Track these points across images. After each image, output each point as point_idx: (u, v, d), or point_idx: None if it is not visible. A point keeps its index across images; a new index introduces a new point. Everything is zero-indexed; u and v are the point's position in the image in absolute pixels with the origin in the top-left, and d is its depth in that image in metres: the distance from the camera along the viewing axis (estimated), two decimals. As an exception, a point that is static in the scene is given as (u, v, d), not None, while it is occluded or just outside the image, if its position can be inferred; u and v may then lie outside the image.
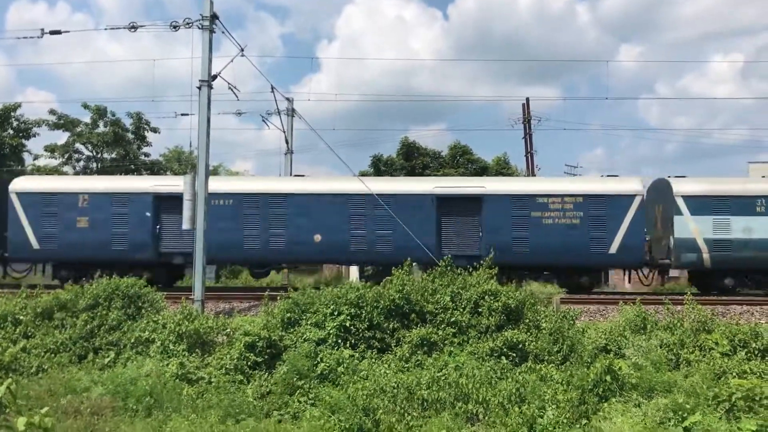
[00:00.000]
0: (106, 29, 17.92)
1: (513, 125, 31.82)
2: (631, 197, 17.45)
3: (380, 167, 32.37)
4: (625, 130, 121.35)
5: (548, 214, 17.55)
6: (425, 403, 9.57)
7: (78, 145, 34.38)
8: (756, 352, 10.86)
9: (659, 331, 11.82)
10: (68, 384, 10.36)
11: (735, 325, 11.68)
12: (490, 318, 11.76)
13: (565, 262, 17.61)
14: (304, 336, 11.54)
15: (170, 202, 17.73)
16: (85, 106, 34.20)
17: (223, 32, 15.18)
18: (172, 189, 17.72)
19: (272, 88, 21.77)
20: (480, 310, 11.99)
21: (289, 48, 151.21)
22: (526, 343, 11.20)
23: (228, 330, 12.11)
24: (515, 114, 35.29)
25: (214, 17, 14.71)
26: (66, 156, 34.19)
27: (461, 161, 33.06)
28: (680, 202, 17.40)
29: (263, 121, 25.87)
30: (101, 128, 34.35)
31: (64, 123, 33.89)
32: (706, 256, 17.19)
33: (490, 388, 9.79)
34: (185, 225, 14.84)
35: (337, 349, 11.18)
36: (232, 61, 15.62)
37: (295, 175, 19.81)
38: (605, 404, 9.42)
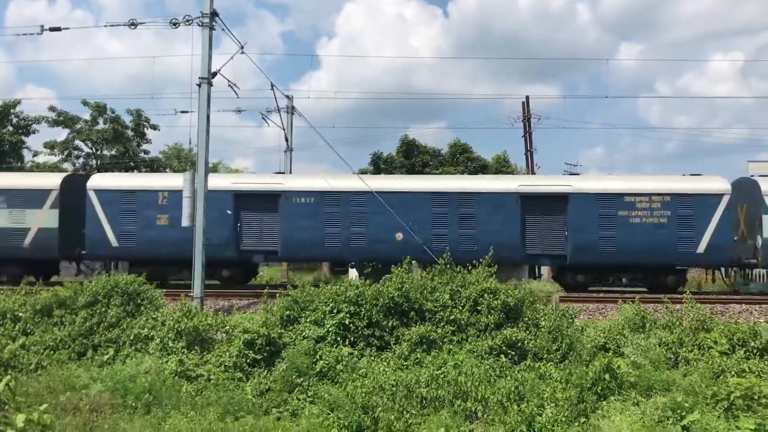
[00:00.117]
0: (106, 26, 18.05)
1: (513, 123, 31.83)
2: (719, 196, 17.39)
3: (380, 165, 32.38)
4: (625, 128, 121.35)
5: (635, 213, 17.46)
6: (424, 401, 9.57)
7: (77, 142, 34.43)
8: (755, 350, 10.86)
9: (658, 329, 11.83)
10: (67, 381, 10.35)
11: (734, 324, 11.69)
12: (489, 316, 11.76)
13: (652, 261, 17.53)
14: (304, 333, 11.54)
15: (250, 200, 17.96)
16: (85, 103, 34.24)
17: (223, 29, 15.19)
18: (251, 187, 18.03)
19: (272, 85, 21.73)
20: (479, 308, 12.00)
21: (289, 45, 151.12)
22: (525, 342, 11.20)
23: (227, 327, 12.11)
24: (515, 112, 35.23)
25: (214, 14, 14.69)
26: (65, 153, 34.22)
27: (461, 159, 33.08)
28: None
29: (263, 118, 25.90)
30: (101, 125, 34.38)
31: (63, 120, 33.91)
32: None
33: (489, 386, 9.79)
34: (185, 222, 14.84)
35: (336, 347, 11.18)
36: (232, 58, 15.64)
37: (375, 173, 19.64)
38: (604, 402, 9.42)
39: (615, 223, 17.42)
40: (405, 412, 9.29)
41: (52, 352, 11.79)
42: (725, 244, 17.32)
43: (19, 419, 4.99)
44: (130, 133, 35.32)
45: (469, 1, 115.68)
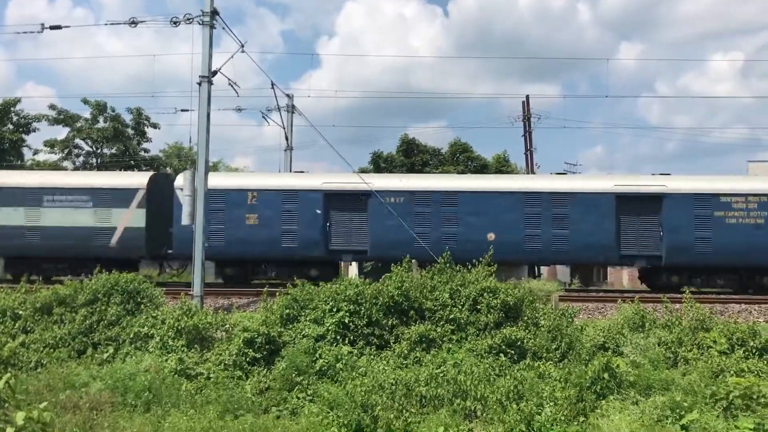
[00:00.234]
0: (106, 24, 17.96)
1: (513, 123, 31.84)
2: None
3: (380, 164, 32.38)
4: (625, 128, 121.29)
5: (732, 214, 17.38)
6: (423, 400, 9.58)
7: (78, 141, 34.41)
8: (754, 350, 10.86)
9: (657, 329, 11.83)
10: (67, 379, 10.37)
11: (733, 324, 11.69)
12: (488, 315, 11.77)
13: (749, 262, 17.48)
14: (303, 332, 11.55)
15: (339, 200, 17.94)
16: (85, 102, 34.24)
17: (223, 28, 15.20)
18: (341, 186, 17.97)
19: (272, 84, 21.75)
20: (479, 307, 12.00)
21: (290, 44, 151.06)
22: (525, 341, 11.21)
23: (227, 326, 12.12)
24: (515, 111, 35.26)
25: (214, 13, 14.70)
26: (66, 151, 34.22)
27: (461, 159, 33.08)
28: None
29: (263, 117, 25.93)
30: (101, 124, 34.37)
31: (63, 118, 33.91)
32: None
33: (489, 385, 9.80)
34: (184, 221, 14.86)
35: (335, 346, 11.19)
36: (232, 57, 15.64)
37: (463, 173, 19.53)
38: (603, 402, 9.43)
39: (711, 223, 17.32)
40: (404, 411, 9.30)
41: (52, 350, 11.80)
42: None
43: (19, 417, 5.00)
44: (130, 131, 35.33)
45: (469, 0, 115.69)
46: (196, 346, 11.61)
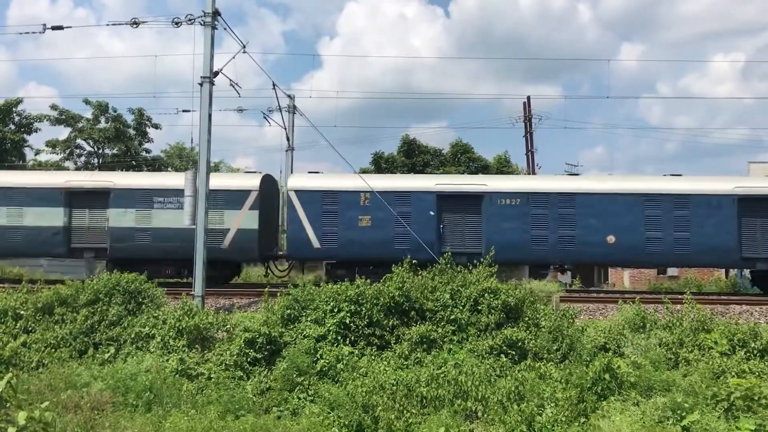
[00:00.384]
0: (108, 25, 18.01)
1: (514, 123, 31.83)
2: None
3: (381, 165, 32.37)
4: (625, 129, 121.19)
5: None
6: (424, 401, 9.59)
7: (79, 141, 34.42)
8: (755, 351, 10.86)
9: (658, 330, 11.83)
10: (68, 379, 10.39)
11: (734, 325, 11.68)
12: (489, 316, 11.77)
13: None
14: (304, 332, 11.56)
15: (453, 202, 17.82)
16: (87, 102, 34.25)
17: (225, 29, 15.19)
18: (455, 188, 17.91)
19: (273, 84, 21.70)
20: (479, 307, 12.01)
21: (291, 45, 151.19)
22: (526, 341, 11.21)
23: (228, 326, 12.13)
24: (516, 112, 35.26)
25: (216, 13, 14.70)
26: (67, 151, 34.23)
27: (462, 159, 33.07)
28: None
29: (264, 117, 25.86)
30: (103, 124, 34.38)
31: (65, 118, 33.93)
32: None
33: (489, 386, 9.81)
34: (186, 221, 14.86)
35: (336, 346, 11.20)
36: (234, 57, 15.63)
37: (570, 174, 19.31)
38: (604, 403, 9.43)
39: None
40: (405, 412, 9.31)
41: (53, 350, 11.82)
42: None
43: (21, 417, 5.01)
44: (131, 132, 35.33)
45: (470, 1, 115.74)
46: (197, 346, 11.62)
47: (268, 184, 19.08)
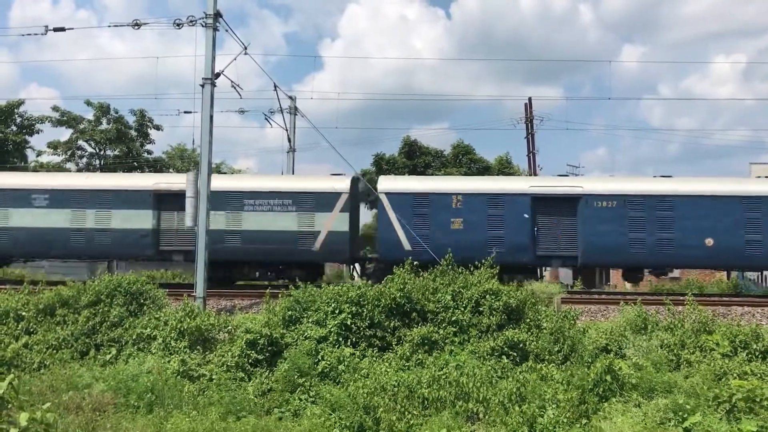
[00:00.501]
0: (109, 26, 18.08)
1: (515, 125, 31.83)
2: None
3: (382, 166, 32.38)
4: (627, 130, 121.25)
5: None
6: (426, 402, 9.59)
7: (81, 142, 34.47)
8: (757, 353, 10.85)
9: (660, 331, 11.82)
10: (70, 380, 10.40)
11: (736, 326, 11.67)
12: (491, 317, 11.77)
13: None
14: (305, 334, 11.57)
15: (547, 204, 17.65)
16: (89, 103, 34.30)
17: (226, 30, 15.23)
18: (550, 190, 17.74)
19: (275, 86, 21.72)
20: (481, 309, 12.01)
21: (292, 46, 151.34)
22: (527, 343, 11.21)
23: (229, 327, 12.14)
24: (518, 113, 35.20)
25: (217, 15, 14.73)
26: (69, 153, 34.28)
27: (464, 161, 33.06)
28: None
29: (266, 119, 25.89)
30: (104, 125, 34.43)
31: (67, 120, 33.99)
32: None
33: (491, 387, 9.80)
34: (187, 222, 14.85)
35: (338, 347, 11.21)
36: (235, 59, 15.67)
37: (662, 176, 19.37)
38: (605, 404, 9.43)
39: None
40: (407, 413, 9.31)
41: (54, 351, 11.84)
42: None
43: (23, 418, 5.01)
44: (133, 133, 35.37)
45: (471, 2, 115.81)
46: (198, 347, 11.63)
47: (355, 185, 19.04)
